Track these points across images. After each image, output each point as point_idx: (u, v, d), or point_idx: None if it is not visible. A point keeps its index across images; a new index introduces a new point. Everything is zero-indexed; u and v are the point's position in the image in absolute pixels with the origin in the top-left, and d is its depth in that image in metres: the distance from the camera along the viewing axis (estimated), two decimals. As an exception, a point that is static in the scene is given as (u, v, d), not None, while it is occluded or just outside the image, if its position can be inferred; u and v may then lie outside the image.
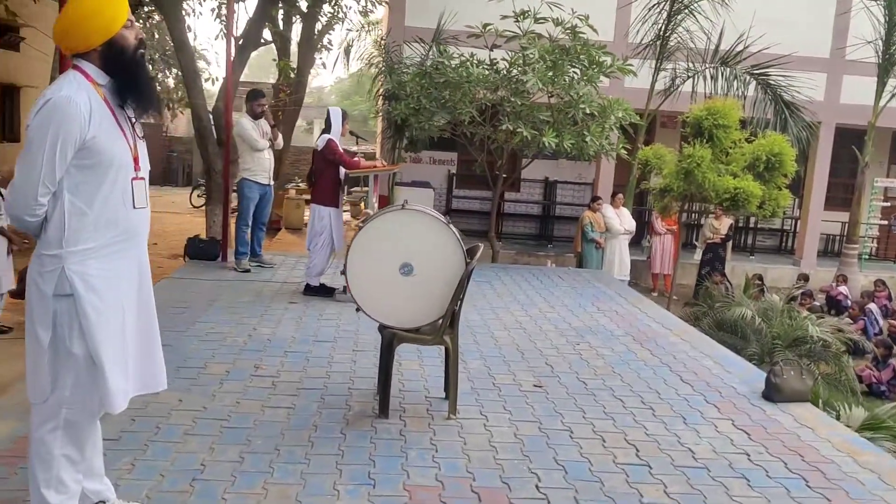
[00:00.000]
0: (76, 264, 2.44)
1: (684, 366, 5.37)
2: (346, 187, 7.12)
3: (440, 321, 3.95)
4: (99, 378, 2.48)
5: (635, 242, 12.14)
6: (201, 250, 7.80)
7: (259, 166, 7.34)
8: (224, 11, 12.87)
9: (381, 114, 9.68)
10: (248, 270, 7.39)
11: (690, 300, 11.60)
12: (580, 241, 10.78)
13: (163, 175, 24.30)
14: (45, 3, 16.39)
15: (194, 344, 5.00)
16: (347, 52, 12.64)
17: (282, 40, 15.88)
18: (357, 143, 6.99)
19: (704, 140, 8.64)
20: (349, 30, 13.25)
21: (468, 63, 8.80)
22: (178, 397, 4.00)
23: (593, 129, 8.47)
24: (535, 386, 4.70)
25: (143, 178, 2.62)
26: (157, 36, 20.08)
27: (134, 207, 2.58)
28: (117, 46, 2.51)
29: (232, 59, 8.47)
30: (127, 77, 2.55)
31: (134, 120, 2.63)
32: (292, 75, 15.34)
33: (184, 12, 12.64)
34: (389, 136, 10.67)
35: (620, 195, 11.23)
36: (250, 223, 7.43)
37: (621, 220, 11.01)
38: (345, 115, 6.57)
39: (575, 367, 5.17)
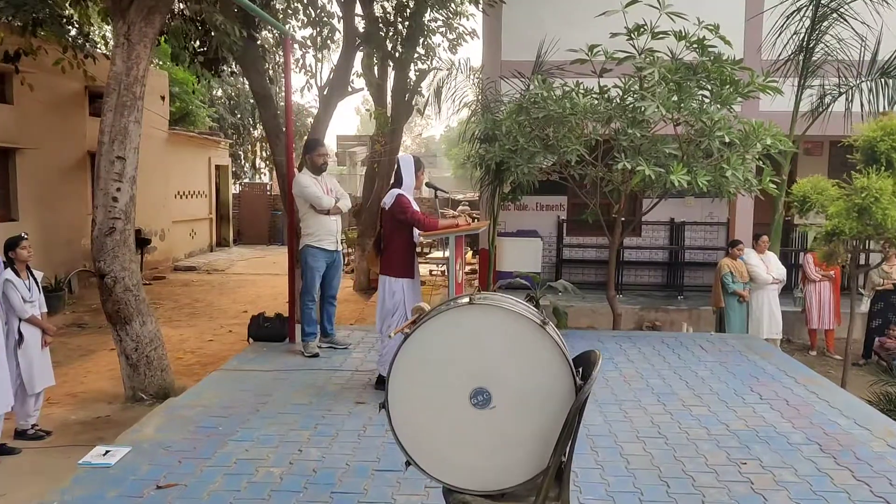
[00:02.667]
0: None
1: (912, 502, 3.63)
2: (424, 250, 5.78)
3: (540, 479, 2.48)
4: None
5: (785, 290, 10.17)
6: (266, 331, 6.63)
7: (324, 229, 6.14)
8: (309, 62, 12.09)
9: (471, 159, 8.39)
10: (315, 355, 6.16)
11: (859, 360, 9.54)
12: (720, 296, 8.97)
13: (269, 235, 23.91)
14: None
15: (215, 482, 3.72)
16: (438, 94, 11.46)
17: (377, 89, 15.01)
18: (436, 195, 5.57)
19: (882, 167, 6.78)
20: (437, 69, 12.01)
21: (573, 93, 7.36)
22: None
23: (734, 162, 6.79)
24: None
25: None
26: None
27: None
28: None
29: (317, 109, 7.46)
30: None
31: None
32: (388, 125, 14.39)
33: (266, 66, 11.94)
34: (488, 182, 9.33)
35: (765, 237, 9.36)
36: (317, 298, 6.20)
37: (768, 266, 9.14)
38: (419, 165, 5.28)
39: (747, 507, 3.55)
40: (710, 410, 5.01)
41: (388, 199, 5.17)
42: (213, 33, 8.64)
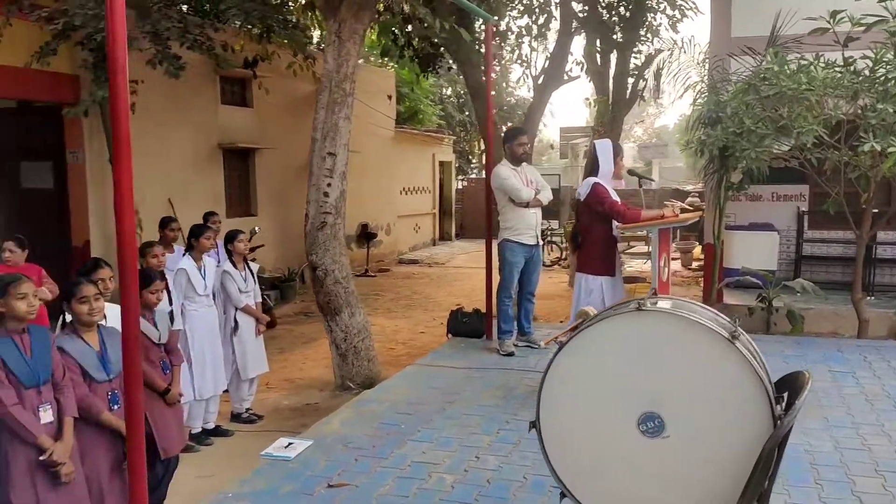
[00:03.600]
0: None
1: None
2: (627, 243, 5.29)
3: (723, 528, 2.01)
4: None
5: None
6: (465, 326, 6.50)
7: (523, 223, 5.86)
8: (525, 52, 11.89)
9: (691, 145, 7.62)
10: (511, 353, 5.90)
11: None
12: None
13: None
14: (363, 70, 17.07)
15: (386, 484, 3.58)
16: (658, 76, 10.70)
17: (598, 77, 14.45)
18: (640, 185, 4.98)
19: None
20: (658, 50, 11.22)
21: (811, 67, 6.42)
22: None
23: None
24: None
25: None
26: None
27: None
28: None
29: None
30: None
31: None
32: (608, 113, 13.76)
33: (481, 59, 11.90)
34: (713, 170, 8.49)
35: None
36: (513, 294, 5.94)
37: None
38: (617, 150, 4.81)
39: None
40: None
41: (582, 189, 4.77)
42: (410, 26, 8.68)
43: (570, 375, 2.14)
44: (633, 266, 16.27)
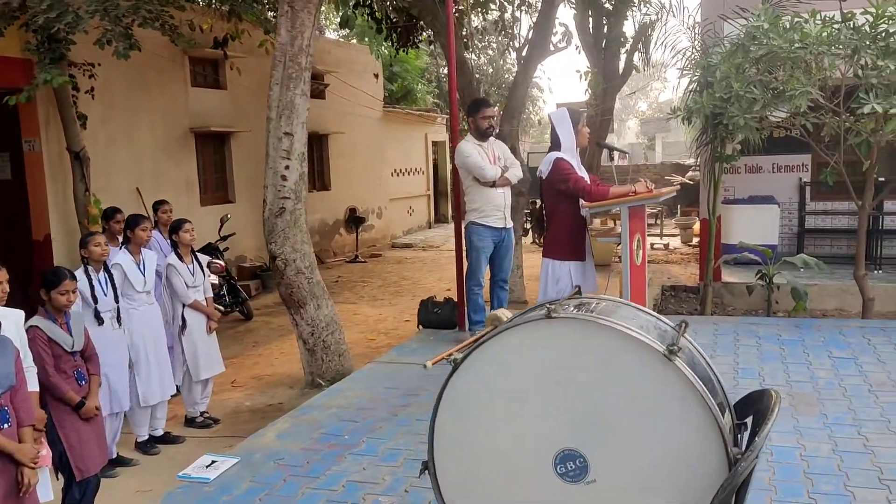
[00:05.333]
0: None
1: None
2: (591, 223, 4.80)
3: None
4: None
5: None
6: (436, 317, 6.02)
7: (490, 204, 5.37)
8: (507, 20, 11.28)
9: (677, 113, 7.04)
10: (482, 347, 5.41)
11: None
12: None
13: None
14: (347, 49, 16.50)
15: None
16: (646, 42, 10.08)
17: (592, 49, 13.80)
18: (612, 158, 4.39)
19: None
20: (646, 14, 10.60)
21: (805, 23, 5.87)
22: None
23: None
24: None
25: None
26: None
27: None
28: None
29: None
30: None
31: None
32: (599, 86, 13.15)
33: (463, 31, 11.32)
34: (706, 141, 7.94)
35: None
36: (483, 281, 5.45)
37: None
38: (576, 118, 4.26)
39: None
40: None
41: (543, 167, 4.24)
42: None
43: (468, 403, 1.65)
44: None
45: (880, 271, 9.84)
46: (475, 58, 25.82)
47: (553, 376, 1.58)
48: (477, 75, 25.67)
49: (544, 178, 4.26)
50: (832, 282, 9.30)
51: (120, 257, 5.16)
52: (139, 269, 5.23)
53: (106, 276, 4.94)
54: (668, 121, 10.37)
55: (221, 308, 8.87)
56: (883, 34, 5.56)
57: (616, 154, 4.58)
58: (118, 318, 4.95)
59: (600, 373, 1.55)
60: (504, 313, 1.89)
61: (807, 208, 11.12)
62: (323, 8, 9.41)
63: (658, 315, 1.74)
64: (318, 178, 14.76)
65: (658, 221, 17.28)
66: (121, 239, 5.73)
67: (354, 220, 15.26)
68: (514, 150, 7.58)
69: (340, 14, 11.35)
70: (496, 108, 5.74)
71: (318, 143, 14.62)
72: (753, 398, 1.70)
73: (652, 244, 15.18)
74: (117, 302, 4.95)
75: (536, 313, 1.64)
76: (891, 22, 5.69)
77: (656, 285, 10.29)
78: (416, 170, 19.54)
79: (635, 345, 1.51)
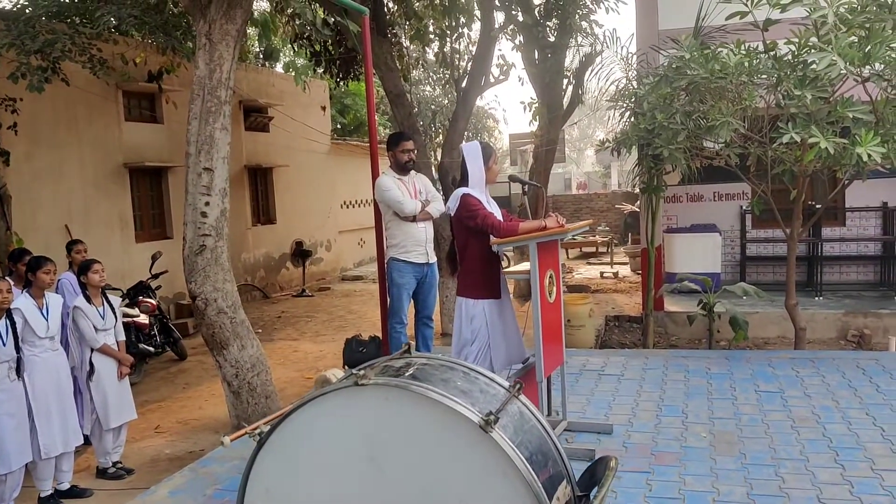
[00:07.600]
0: None
1: None
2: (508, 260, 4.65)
3: None
4: None
5: None
6: (361, 355, 5.83)
7: (410, 239, 5.23)
8: (447, 52, 11.23)
9: (605, 145, 7.01)
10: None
11: None
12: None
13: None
14: (292, 81, 16.35)
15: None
16: (579, 74, 10.12)
17: (538, 81, 13.82)
18: (524, 192, 4.28)
19: None
20: (580, 45, 10.65)
21: (725, 54, 5.87)
22: None
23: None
24: None
25: None
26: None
27: None
28: None
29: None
30: None
31: None
32: (545, 117, 13.14)
33: (400, 65, 11.27)
34: (640, 172, 7.92)
35: None
36: (405, 319, 5.28)
37: None
38: (488, 152, 4.15)
39: None
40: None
41: (451, 203, 4.11)
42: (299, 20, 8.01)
43: (278, 486, 1.48)
44: (581, 273, 15.71)
45: (821, 297, 9.90)
46: (430, 89, 25.86)
47: (363, 452, 1.41)
48: (433, 106, 25.73)
49: (452, 214, 4.13)
50: (774, 309, 9.29)
51: (20, 301, 4.89)
52: (42, 313, 4.96)
53: (7, 322, 4.68)
54: (597, 152, 10.35)
55: (151, 349, 8.57)
56: (801, 64, 5.58)
57: (527, 187, 4.46)
58: (17, 369, 4.67)
59: (412, 447, 1.38)
60: (334, 374, 1.73)
61: (748, 236, 11.19)
62: (245, 40, 9.27)
63: (492, 375, 1.59)
64: (263, 211, 14.52)
65: (609, 250, 17.32)
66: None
67: (301, 253, 15.02)
68: (455, 182, 7.46)
69: (264, 47, 11.22)
70: (411, 141, 5.60)
71: (262, 177, 14.41)
72: (598, 466, 1.55)
73: (602, 273, 15.16)
74: (18, 351, 4.68)
75: (346, 380, 1.48)
76: (812, 52, 5.72)
77: (600, 315, 10.22)
78: (367, 201, 19.38)
79: (448, 414, 1.35)
